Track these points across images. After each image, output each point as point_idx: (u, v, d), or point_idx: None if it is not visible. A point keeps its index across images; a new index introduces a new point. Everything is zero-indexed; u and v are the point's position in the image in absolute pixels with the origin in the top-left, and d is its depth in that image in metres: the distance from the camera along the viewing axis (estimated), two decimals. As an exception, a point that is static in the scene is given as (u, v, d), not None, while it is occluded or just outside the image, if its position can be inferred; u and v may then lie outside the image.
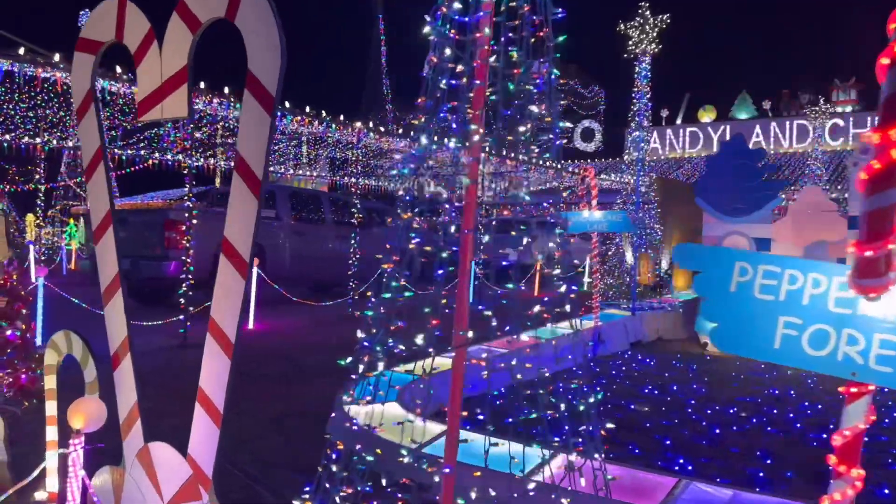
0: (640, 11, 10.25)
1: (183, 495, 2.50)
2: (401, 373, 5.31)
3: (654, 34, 9.92)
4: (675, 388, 5.91)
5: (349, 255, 11.82)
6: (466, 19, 2.60)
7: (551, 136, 2.72)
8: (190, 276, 7.75)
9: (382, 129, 11.41)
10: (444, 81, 2.66)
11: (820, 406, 5.42)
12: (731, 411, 5.18)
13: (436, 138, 2.70)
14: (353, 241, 9.96)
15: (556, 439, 2.97)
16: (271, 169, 19.87)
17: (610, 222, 7.07)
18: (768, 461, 4.07)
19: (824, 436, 4.54)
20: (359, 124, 10.59)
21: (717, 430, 4.64)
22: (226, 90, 8.63)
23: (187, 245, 8.85)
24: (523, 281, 14.72)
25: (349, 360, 2.94)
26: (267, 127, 2.22)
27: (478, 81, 2.53)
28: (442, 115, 2.62)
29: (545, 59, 2.79)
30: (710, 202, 8.74)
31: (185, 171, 9.70)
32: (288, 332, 8.79)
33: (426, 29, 2.70)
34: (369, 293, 2.90)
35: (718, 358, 7.58)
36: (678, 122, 33.12)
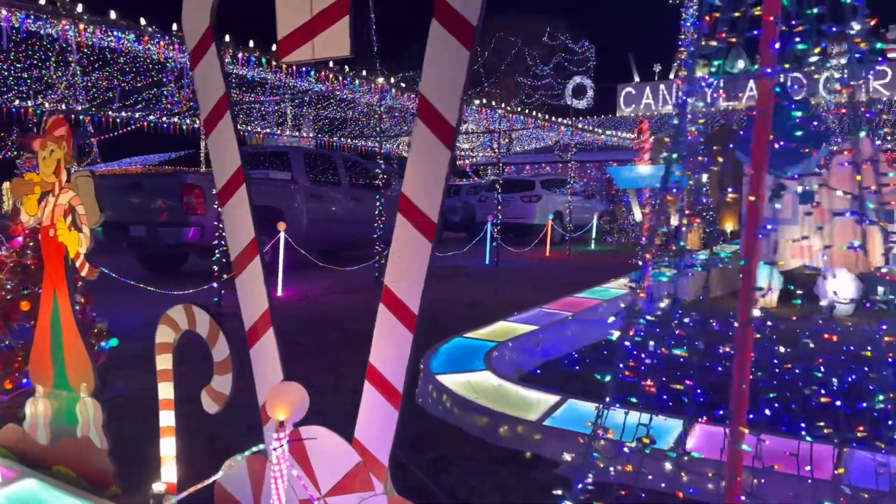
0: None
1: (347, 485, 2.22)
2: (473, 338, 5.09)
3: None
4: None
5: (366, 219, 11.51)
6: None
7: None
8: (222, 243, 7.38)
9: (403, 85, 10.90)
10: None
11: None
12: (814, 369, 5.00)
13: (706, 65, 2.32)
14: (378, 204, 9.61)
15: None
16: (248, 128, 19.33)
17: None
18: None
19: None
20: (381, 80, 10.12)
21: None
22: (250, 44, 8.10)
23: (207, 210, 8.49)
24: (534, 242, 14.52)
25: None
26: (464, 64, 1.91)
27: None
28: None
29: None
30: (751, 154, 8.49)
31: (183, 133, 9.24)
32: (323, 298, 8.48)
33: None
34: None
35: (772, 313, 7.42)
36: (671, 76, 32.71)
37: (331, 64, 9.89)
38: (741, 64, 2.69)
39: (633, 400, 2.58)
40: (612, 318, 3.64)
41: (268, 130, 19.26)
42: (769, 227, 2.17)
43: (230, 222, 2.47)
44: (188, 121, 15.54)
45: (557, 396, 3.72)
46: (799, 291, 7.93)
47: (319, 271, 9.91)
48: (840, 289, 7.18)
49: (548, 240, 14.42)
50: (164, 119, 14.99)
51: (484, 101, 12.39)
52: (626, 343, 2.41)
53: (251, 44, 7.22)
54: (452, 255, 12.28)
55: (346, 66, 9.83)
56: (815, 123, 8.99)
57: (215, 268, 7.36)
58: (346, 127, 19.43)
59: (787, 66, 2.15)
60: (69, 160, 2.97)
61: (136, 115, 14.53)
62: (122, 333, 4.70)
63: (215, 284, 7.33)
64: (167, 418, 2.70)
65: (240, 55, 7.29)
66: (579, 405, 3.63)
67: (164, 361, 2.67)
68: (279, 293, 8.50)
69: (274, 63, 8.74)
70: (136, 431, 3.38)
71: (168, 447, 2.69)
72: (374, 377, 2.17)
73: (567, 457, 3.24)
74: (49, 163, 3.01)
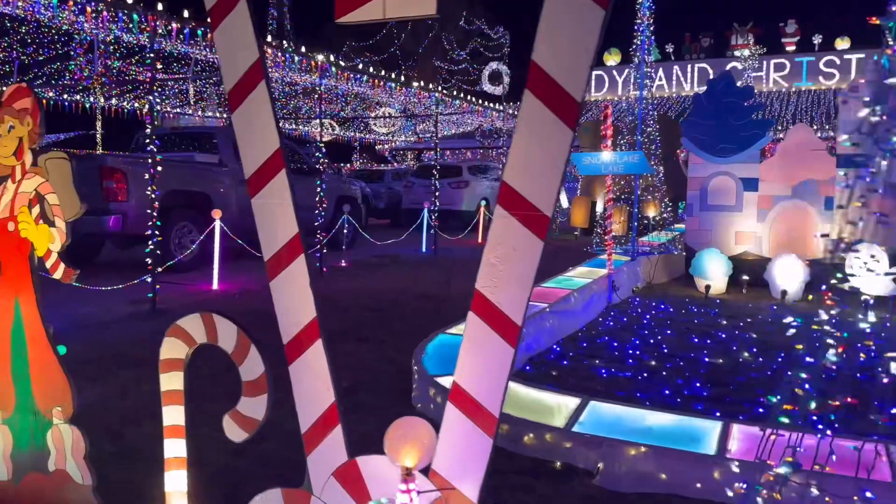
0: None
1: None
2: (459, 335, 4.78)
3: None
4: (723, 335, 5.71)
5: (301, 205, 10.92)
6: None
7: None
8: (156, 232, 6.72)
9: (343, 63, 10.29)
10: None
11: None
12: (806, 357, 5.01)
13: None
14: (319, 191, 9.08)
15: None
16: (159, 107, 18.09)
17: (626, 164, 6.71)
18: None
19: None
20: (321, 57, 9.51)
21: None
22: (185, 14, 7.34)
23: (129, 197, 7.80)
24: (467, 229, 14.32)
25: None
26: (597, 25, 1.59)
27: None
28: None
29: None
30: (697, 142, 8.56)
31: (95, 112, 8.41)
32: (264, 291, 7.91)
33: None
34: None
35: (725, 300, 7.51)
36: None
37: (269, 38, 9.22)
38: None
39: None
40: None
41: (177, 110, 18.09)
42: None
43: (264, 215, 2.06)
44: (92, 98, 14.32)
45: (576, 399, 3.48)
46: (745, 277, 8.08)
47: (255, 261, 9.28)
48: (790, 274, 7.32)
49: (480, 226, 14.24)
50: (66, 96, 13.72)
51: (414, 83, 11.99)
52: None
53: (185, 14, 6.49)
54: (390, 244, 11.90)
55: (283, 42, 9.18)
56: (758, 113, 8.99)
57: (148, 260, 6.69)
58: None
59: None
60: (35, 139, 2.45)
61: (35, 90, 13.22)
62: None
63: (149, 278, 6.68)
64: (175, 448, 2.27)
65: (173, 26, 6.58)
66: (602, 408, 3.40)
67: (171, 380, 2.23)
68: (215, 286, 7.90)
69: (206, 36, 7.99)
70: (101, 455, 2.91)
71: (176, 482, 2.27)
72: (460, 398, 1.84)
73: (601, 465, 3.02)
74: (6, 141, 2.48)
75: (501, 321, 1.77)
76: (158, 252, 6.78)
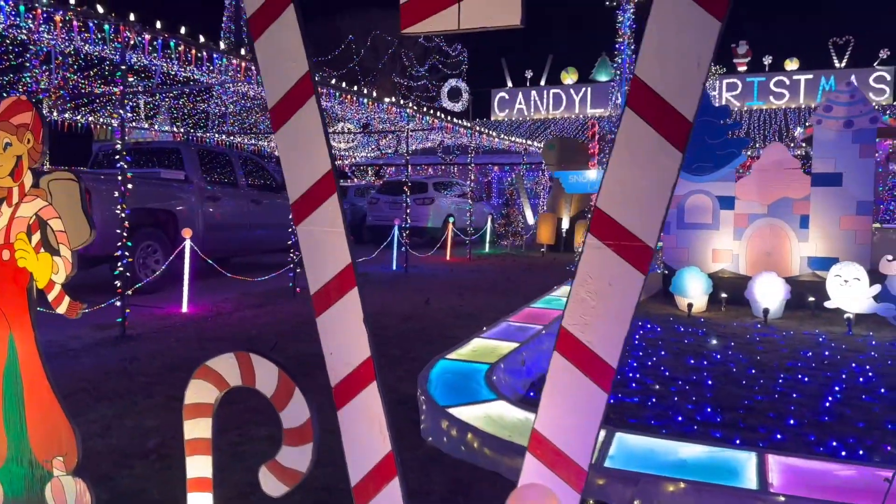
0: None
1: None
2: (459, 360, 4.60)
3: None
4: (717, 356, 5.65)
5: (268, 223, 10.60)
6: None
7: None
8: (126, 253, 6.37)
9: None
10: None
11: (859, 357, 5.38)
12: (805, 378, 4.98)
13: None
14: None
15: None
16: (91, 118, 17.52)
17: (613, 182, 6.63)
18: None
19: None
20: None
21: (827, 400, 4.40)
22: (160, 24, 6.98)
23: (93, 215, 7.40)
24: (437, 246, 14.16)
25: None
26: (712, 40, 1.45)
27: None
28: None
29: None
30: (674, 161, 8.57)
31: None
32: (236, 312, 7.60)
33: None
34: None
35: (708, 319, 7.49)
36: (542, 83, 33.59)
37: (222, 45, 8.82)
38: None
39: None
40: None
41: (133, 124, 17.49)
42: None
43: (312, 244, 1.86)
44: (45, 111, 13.68)
45: (601, 430, 3.32)
46: (724, 295, 8.10)
47: (224, 282, 8.97)
48: (771, 292, 7.35)
49: (448, 243, 14.09)
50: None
51: (385, 98, 11.80)
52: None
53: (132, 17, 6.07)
54: (361, 262, 11.63)
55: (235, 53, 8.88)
56: (735, 132, 9.07)
57: (117, 282, 6.33)
58: (223, 122, 18.10)
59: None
60: (36, 158, 2.19)
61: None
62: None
63: (118, 302, 6.31)
64: (201, 502, 2.02)
65: (129, 34, 6.23)
66: (629, 439, 3.26)
67: (197, 428, 2.00)
68: (184, 309, 7.54)
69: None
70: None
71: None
72: (543, 449, 1.66)
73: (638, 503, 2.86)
74: (1, 160, 2.22)
75: (593, 363, 1.61)
76: (128, 274, 6.42)
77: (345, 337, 1.84)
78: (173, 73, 10.67)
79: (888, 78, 27.44)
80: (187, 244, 7.64)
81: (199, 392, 1.98)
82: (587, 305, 1.60)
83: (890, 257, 7.04)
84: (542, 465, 1.67)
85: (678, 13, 1.46)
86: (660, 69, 1.49)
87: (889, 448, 3.63)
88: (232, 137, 19.56)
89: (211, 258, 8.24)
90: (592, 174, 6.54)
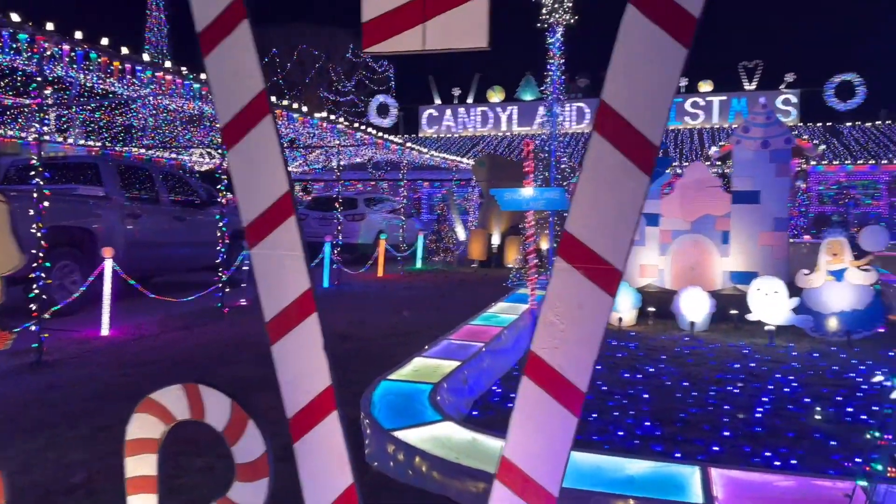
0: None
1: None
2: (401, 380, 4.54)
3: (569, 3, 9.76)
4: (650, 369, 5.78)
5: (193, 240, 10.25)
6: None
7: None
8: (42, 274, 6.01)
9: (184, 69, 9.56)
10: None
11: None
12: (735, 389, 5.15)
13: None
14: (221, 224, 8.53)
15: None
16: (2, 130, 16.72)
17: (547, 199, 6.74)
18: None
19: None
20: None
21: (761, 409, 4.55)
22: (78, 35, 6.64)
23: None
24: (369, 262, 14.03)
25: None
26: (678, 66, 1.47)
27: None
28: None
29: None
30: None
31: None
32: (162, 335, 7.29)
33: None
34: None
35: (638, 332, 7.67)
36: (469, 100, 34.01)
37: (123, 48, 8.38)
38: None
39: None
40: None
41: (46, 137, 16.67)
42: None
43: (267, 268, 1.78)
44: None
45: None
46: (651, 309, 8.32)
47: (147, 303, 8.58)
48: (696, 306, 7.60)
49: (380, 260, 13.99)
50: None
51: (317, 114, 11.67)
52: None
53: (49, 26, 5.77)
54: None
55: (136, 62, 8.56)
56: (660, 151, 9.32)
57: (33, 305, 5.97)
58: (143, 135, 17.48)
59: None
60: (-42, 175, 2.03)
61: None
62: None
63: (33, 326, 5.94)
64: (144, 546, 1.90)
65: (46, 44, 5.93)
66: (576, 457, 3.26)
67: (142, 465, 1.88)
68: (104, 332, 7.18)
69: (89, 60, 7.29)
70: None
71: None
72: (512, 476, 1.64)
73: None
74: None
75: (563, 387, 1.59)
76: (44, 296, 6.07)
77: (303, 365, 1.77)
78: (90, 85, 10.26)
79: (793, 100, 29.09)
80: (107, 263, 7.29)
81: (143, 427, 1.86)
82: (556, 329, 1.59)
83: (806, 271, 7.40)
84: (512, 494, 1.64)
85: (645, 39, 1.48)
86: (627, 94, 1.50)
87: (817, 458, 3.78)
88: (151, 151, 18.92)
89: (133, 278, 7.89)
90: (528, 192, 6.62)
